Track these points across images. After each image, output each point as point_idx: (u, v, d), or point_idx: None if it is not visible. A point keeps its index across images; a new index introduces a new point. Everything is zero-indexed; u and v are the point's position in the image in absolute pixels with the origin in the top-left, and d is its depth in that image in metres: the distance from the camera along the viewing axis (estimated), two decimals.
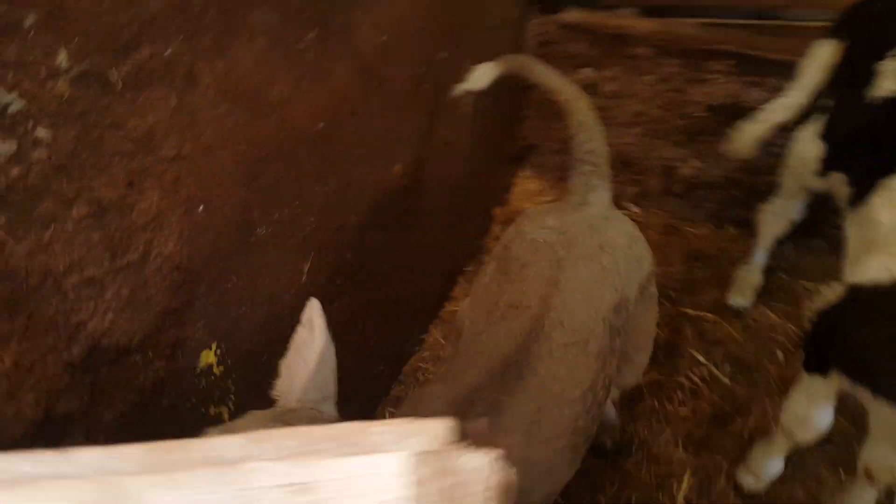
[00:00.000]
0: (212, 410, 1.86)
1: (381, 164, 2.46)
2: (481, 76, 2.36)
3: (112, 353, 1.47)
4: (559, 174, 4.18)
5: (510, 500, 0.66)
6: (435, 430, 0.53)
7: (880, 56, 2.34)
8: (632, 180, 3.97)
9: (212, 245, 1.69)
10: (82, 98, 1.25)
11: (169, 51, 1.41)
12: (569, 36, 3.67)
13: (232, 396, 1.93)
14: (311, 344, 1.26)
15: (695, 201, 3.84)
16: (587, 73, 3.73)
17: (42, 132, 1.19)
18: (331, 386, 1.27)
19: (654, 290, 2.15)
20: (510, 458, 1.36)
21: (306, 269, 2.14)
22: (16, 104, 1.13)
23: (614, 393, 2.25)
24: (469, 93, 2.52)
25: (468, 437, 0.57)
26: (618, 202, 4.02)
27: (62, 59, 1.20)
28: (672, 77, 3.52)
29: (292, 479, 0.50)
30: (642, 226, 4.05)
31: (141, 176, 1.42)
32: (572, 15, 3.64)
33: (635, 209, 4.07)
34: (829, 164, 2.55)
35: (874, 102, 2.30)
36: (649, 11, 3.58)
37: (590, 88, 3.78)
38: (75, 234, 1.31)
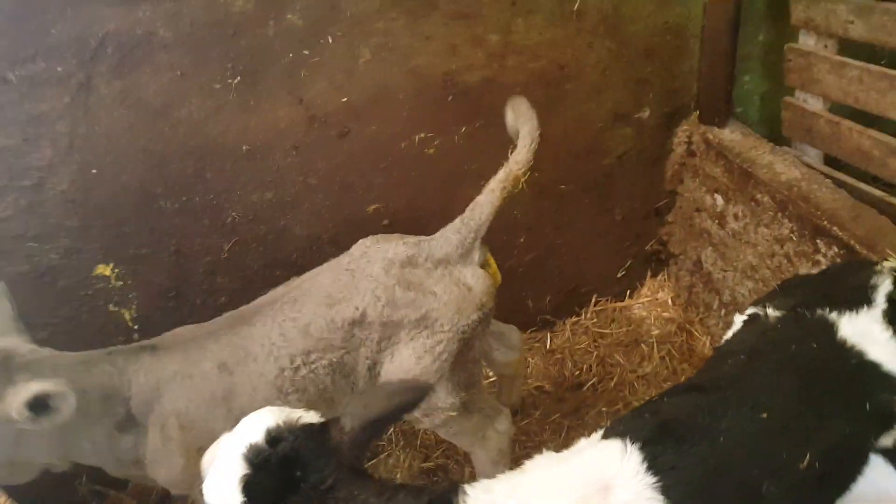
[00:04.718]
0: (111, 307, 2.63)
1: (347, 199, 2.77)
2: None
3: (13, 234, 2.33)
4: (689, 296, 3.62)
5: None
6: None
7: None
8: None
9: (109, 199, 2.41)
10: None
11: (60, 68, 2.12)
12: (710, 154, 3.10)
13: (134, 305, 2.67)
14: None
15: None
16: (718, 200, 3.12)
17: None
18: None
19: (428, 342, 2.23)
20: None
21: (227, 247, 2.69)
22: None
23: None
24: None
25: None
26: None
27: None
28: (785, 241, 2.72)
29: None
30: None
31: (34, 137, 2.21)
32: (717, 133, 3.05)
33: None
34: None
35: None
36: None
37: (717, 218, 3.18)
38: None
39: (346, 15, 2.38)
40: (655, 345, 3.51)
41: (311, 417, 1.42)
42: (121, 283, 2.60)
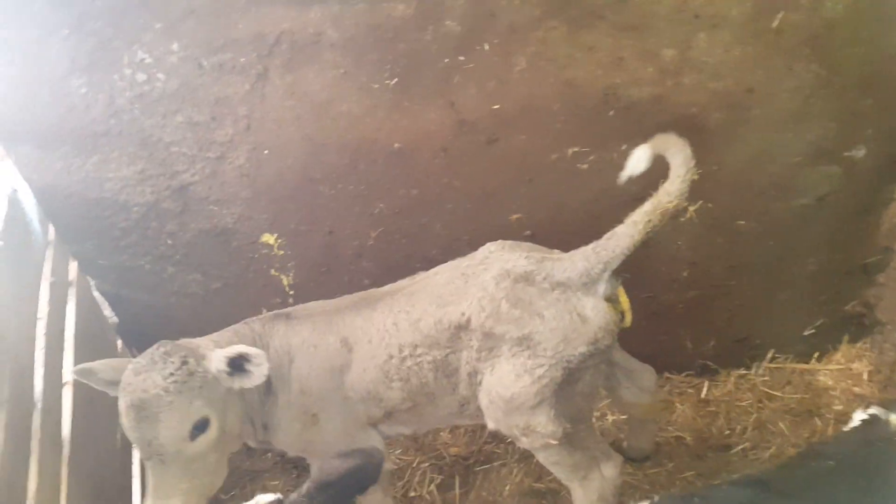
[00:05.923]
0: (273, 272, 2.92)
1: (489, 204, 2.71)
2: (638, 161, 2.27)
3: (199, 196, 2.69)
4: (891, 375, 2.96)
5: None
6: None
7: None
8: None
9: (276, 177, 2.65)
10: (184, 67, 2.39)
11: (243, 59, 2.35)
12: None
13: (292, 273, 2.93)
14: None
15: None
16: None
17: (174, 79, 2.39)
18: None
19: (529, 363, 2.16)
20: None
21: (373, 235, 2.80)
22: (152, 63, 2.35)
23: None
24: (632, 178, 2.31)
25: None
26: None
27: (176, 47, 2.34)
28: None
29: None
30: None
31: (220, 116, 2.49)
32: None
33: None
34: None
35: None
36: None
37: None
38: (176, 129, 2.52)
39: (504, 23, 2.29)
40: (833, 422, 2.94)
41: (268, 498, 1.59)
42: (282, 252, 2.85)
